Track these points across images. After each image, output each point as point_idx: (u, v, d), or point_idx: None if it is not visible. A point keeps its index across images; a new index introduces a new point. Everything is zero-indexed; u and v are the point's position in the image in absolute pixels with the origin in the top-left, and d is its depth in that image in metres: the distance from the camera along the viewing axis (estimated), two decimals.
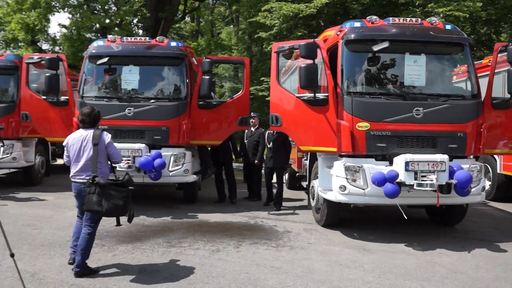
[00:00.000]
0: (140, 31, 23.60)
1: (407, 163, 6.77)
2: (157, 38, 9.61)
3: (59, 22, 22.50)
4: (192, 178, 9.53)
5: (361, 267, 5.98)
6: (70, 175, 5.53)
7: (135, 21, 23.61)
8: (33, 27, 18.55)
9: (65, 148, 5.65)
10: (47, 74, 9.37)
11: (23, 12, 18.59)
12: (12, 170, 13.50)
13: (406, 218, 7.07)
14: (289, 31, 18.14)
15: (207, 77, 9.23)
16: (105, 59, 9.15)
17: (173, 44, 9.66)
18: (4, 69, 11.53)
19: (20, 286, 4.80)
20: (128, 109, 9.05)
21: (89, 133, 5.48)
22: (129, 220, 5.66)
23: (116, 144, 8.71)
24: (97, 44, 9.63)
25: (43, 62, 9.73)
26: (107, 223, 8.08)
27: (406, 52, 7.43)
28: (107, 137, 5.58)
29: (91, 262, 5.77)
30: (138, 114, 9.08)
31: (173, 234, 7.48)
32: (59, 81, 9.46)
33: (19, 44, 21.11)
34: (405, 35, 7.45)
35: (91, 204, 5.22)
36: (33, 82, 11.09)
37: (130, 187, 5.57)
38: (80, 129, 5.61)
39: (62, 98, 9.96)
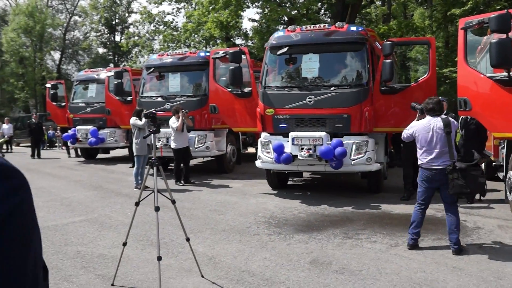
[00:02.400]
0: (328, 19, 23.60)
1: None
2: (337, 24, 9.37)
3: (249, 17, 24.11)
4: (375, 166, 9.11)
5: None
6: (421, 163, 5.83)
7: (322, 10, 23.73)
8: (226, 24, 19.95)
9: (409, 130, 6.02)
10: (230, 67, 9.89)
11: (218, 12, 20.11)
12: (206, 158, 14.74)
13: None
14: (486, 4, 16.13)
15: (389, 60, 8.68)
16: (285, 49, 9.28)
17: (353, 29, 9.31)
18: (196, 65, 12.60)
19: (197, 268, 5.13)
20: (308, 98, 9.05)
21: (437, 120, 5.74)
22: (483, 195, 6.12)
23: (297, 133, 8.95)
24: (277, 35, 9.80)
25: (227, 56, 10.28)
26: (295, 211, 8.24)
27: None
28: (454, 123, 5.83)
29: (265, 249, 5.89)
30: (318, 102, 9.01)
31: (352, 225, 7.24)
32: (242, 73, 9.91)
33: (217, 42, 22.96)
34: None
35: (458, 188, 5.50)
36: (223, 76, 11.85)
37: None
38: (427, 117, 5.90)
39: (246, 89, 10.43)
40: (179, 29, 26.75)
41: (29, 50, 42.88)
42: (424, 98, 8.85)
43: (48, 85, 19.38)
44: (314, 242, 6.33)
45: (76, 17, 50.38)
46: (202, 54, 12.98)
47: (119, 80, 14.13)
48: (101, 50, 51.13)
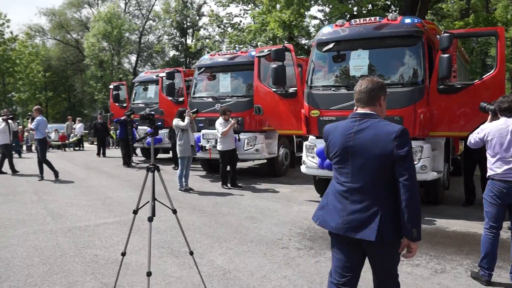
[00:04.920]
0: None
1: None
2: (389, 16, 8.47)
3: (311, 15, 23.01)
4: (431, 175, 8.12)
5: None
6: (493, 173, 4.83)
7: (392, 6, 22.39)
8: (289, 24, 19.32)
9: (480, 134, 5.02)
10: (273, 65, 9.26)
11: (280, 10, 19.54)
12: (260, 161, 14.20)
13: None
14: None
15: (447, 55, 7.63)
16: (331, 45, 8.52)
17: (408, 21, 8.34)
18: (247, 64, 11.99)
19: (208, 284, 4.66)
20: None
21: None
22: None
23: None
24: (325, 31, 9.04)
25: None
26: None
27: None
28: None
29: (288, 267, 5.27)
30: None
31: None
32: (285, 72, 9.24)
33: (284, 42, 22.38)
34: None
35: None
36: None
37: None
38: (503, 118, 4.96)
39: (291, 89, 9.73)
40: (245, 30, 26.55)
41: (107, 54, 44.85)
42: (491, 97, 7.85)
43: (111, 86, 19.83)
44: None
45: (151, 22, 52.09)
46: (253, 53, 12.41)
47: (171, 81, 13.99)
48: (173, 53, 52.41)
